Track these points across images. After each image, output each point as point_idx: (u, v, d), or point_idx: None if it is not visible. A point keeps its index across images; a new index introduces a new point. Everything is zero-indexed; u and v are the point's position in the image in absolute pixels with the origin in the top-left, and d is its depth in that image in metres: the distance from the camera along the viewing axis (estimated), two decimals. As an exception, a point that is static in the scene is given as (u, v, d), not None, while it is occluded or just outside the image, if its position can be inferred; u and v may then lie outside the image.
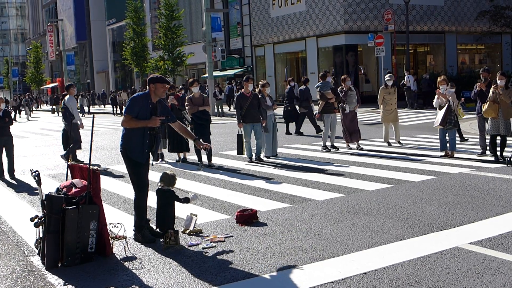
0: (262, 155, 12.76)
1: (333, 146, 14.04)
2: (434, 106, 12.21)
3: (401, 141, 14.69)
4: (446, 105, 11.75)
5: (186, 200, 6.61)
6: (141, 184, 6.58)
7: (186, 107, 12.20)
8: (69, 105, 13.30)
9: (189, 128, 12.55)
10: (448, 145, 12.07)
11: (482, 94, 11.63)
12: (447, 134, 11.98)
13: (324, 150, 13.85)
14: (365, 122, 22.00)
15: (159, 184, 6.65)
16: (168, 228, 6.40)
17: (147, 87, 6.64)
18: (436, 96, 12.05)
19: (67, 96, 13.44)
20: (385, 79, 14.82)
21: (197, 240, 6.51)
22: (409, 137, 16.29)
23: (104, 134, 22.65)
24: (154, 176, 8.74)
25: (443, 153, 12.14)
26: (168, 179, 6.57)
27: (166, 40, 38.84)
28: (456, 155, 12.03)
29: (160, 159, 13.30)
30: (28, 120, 39.95)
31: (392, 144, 14.45)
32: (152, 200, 7.14)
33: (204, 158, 12.32)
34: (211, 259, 5.88)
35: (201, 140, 6.96)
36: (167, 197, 6.54)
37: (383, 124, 14.78)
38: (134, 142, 6.48)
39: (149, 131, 6.56)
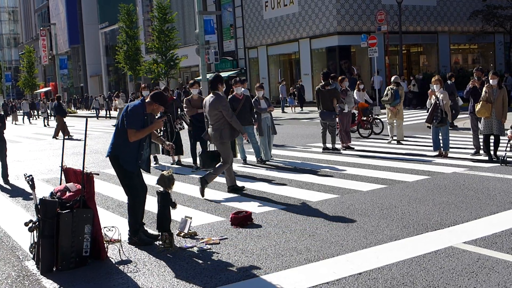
0: (262, 156, 12.58)
1: (334, 148, 14.00)
2: (427, 106, 12.21)
3: (400, 141, 14.79)
4: (433, 102, 11.77)
5: (173, 205, 6.50)
6: (134, 189, 6.55)
7: (185, 109, 12.11)
8: None
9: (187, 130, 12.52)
10: (441, 144, 12.10)
11: (475, 93, 11.66)
12: (440, 134, 12.01)
13: (324, 152, 13.82)
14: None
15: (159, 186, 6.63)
16: (164, 230, 6.39)
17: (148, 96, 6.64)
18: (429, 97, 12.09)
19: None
20: (392, 80, 15.38)
21: (192, 243, 6.51)
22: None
23: (98, 138, 22.59)
24: (152, 179, 8.72)
25: (436, 153, 12.17)
26: (164, 181, 6.54)
27: (159, 43, 38.79)
28: (449, 154, 12.07)
29: (154, 162, 13.28)
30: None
31: (388, 144, 14.52)
32: (151, 203, 7.12)
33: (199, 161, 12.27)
34: (206, 261, 5.87)
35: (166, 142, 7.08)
36: (163, 199, 6.53)
37: (387, 121, 15.28)
38: (129, 153, 6.46)
39: (144, 142, 6.56)
